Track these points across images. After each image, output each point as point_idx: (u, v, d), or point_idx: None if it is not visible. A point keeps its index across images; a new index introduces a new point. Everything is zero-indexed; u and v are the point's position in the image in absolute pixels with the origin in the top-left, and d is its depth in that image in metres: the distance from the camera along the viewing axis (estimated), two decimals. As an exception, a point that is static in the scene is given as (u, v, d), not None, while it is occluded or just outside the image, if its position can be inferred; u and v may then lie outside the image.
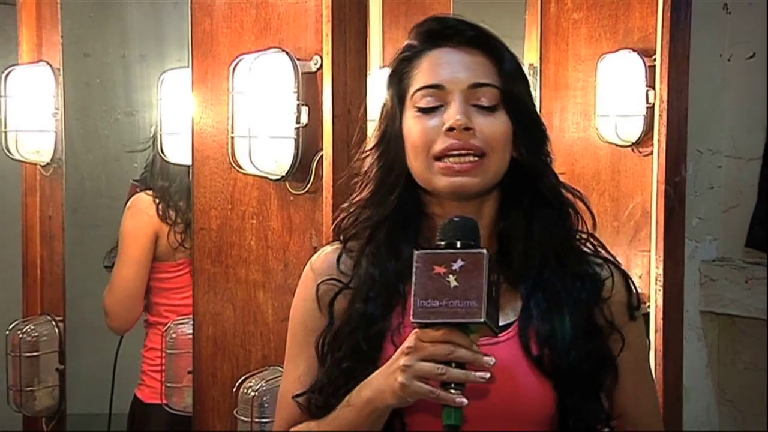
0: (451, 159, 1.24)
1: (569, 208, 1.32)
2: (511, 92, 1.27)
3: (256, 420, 1.98)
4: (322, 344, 1.30)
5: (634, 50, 2.64)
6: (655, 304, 2.50)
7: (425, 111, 1.26)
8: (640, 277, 2.60)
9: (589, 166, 2.73)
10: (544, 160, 1.32)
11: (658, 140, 2.51)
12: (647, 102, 2.60)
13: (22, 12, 2.84)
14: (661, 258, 2.51)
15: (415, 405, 1.18)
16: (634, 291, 1.35)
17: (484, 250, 1.13)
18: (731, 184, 2.94)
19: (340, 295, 1.31)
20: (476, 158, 1.24)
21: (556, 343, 1.26)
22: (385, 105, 1.33)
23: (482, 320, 1.11)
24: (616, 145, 2.73)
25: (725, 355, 2.94)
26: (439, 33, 1.28)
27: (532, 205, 1.30)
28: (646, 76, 2.60)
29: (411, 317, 1.13)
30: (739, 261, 2.89)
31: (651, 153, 2.56)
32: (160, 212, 2.55)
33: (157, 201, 2.56)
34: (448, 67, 1.26)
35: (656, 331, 2.49)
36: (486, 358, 1.13)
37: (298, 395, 1.31)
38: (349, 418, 1.23)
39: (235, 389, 2.06)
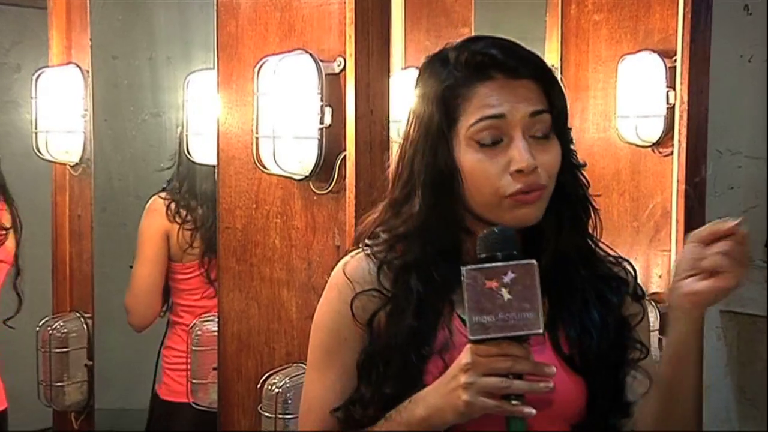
0: (520, 194, 1.23)
1: (593, 214, 1.33)
2: (560, 116, 1.27)
3: (280, 416, 1.98)
4: (366, 360, 1.27)
5: (654, 51, 2.62)
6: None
7: (485, 146, 1.23)
8: (660, 276, 2.59)
9: (609, 167, 2.73)
10: (576, 171, 1.31)
11: (679, 141, 2.51)
12: (667, 103, 2.58)
13: (52, 16, 2.87)
14: (682, 257, 2.50)
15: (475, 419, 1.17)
16: (635, 277, 1.36)
17: (534, 261, 1.11)
18: (751, 184, 2.90)
19: (381, 311, 1.27)
20: (541, 191, 1.24)
21: (586, 342, 1.26)
22: (429, 130, 1.27)
23: (541, 331, 1.11)
24: (637, 146, 2.71)
25: (745, 354, 2.91)
26: (488, 66, 1.25)
27: (561, 211, 1.29)
28: (666, 77, 2.58)
29: (468, 334, 1.12)
30: (759, 261, 2.83)
31: (671, 153, 2.56)
32: (170, 212, 2.57)
33: (168, 201, 2.58)
34: (505, 96, 1.23)
35: (675, 330, 2.48)
36: (547, 368, 1.13)
37: (337, 409, 1.28)
38: None
39: (259, 386, 2.05)
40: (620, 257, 1.37)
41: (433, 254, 1.27)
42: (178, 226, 2.57)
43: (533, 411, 1.12)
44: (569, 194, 1.29)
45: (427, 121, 1.27)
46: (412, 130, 1.29)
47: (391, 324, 1.26)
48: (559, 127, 1.27)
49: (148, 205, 2.64)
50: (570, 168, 1.30)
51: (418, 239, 1.28)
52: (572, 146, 1.32)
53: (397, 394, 1.23)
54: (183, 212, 2.57)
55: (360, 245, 1.34)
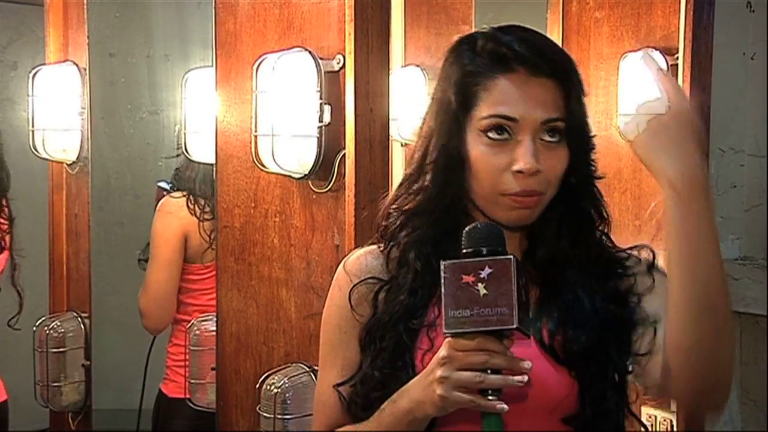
0: (517, 196, 1.24)
1: (602, 214, 1.32)
2: (575, 123, 1.26)
3: (279, 416, 1.97)
4: (365, 336, 1.30)
5: (656, 49, 2.57)
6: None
7: (492, 139, 1.24)
8: (662, 274, 2.60)
9: (610, 165, 2.68)
10: (591, 178, 1.31)
11: None
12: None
13: (49, 13, 2.87)
14: (683, 257, 2.49)
15: (453, 414, 1.18)
16: (653, 254, 1.33)
17: (511, 256, 1.12)
18: (754, 182, 2.88)
19: (382, 290, 1.31)
20: (539, 195, 1.25)
21: (569, 333, 1.26)
22: (444, 112, 1.29)
23: (515, 326, 1.11)
24: None
25: (748, 355, 2.88)
26: (511, 59, 1.25)
27: (567, 209, 1.30)
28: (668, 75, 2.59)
29: (443, 328, 1.13)
30: (761, 260, 2.83)
31: None
32: (191, 206, 2.55)
33: (187, 196, 2.56)
34: (520, 99, 1.24)
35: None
36: (522, 363, 1.13)
37: (339, 384, 1.31)
38: (388, 426, 1.23)
39: (258, 386, 2.05)
40: (634, 247, 1.34)
41: (435, 235, 1.28)
42: (198, 224, 2.55)
43: (505, 407, 1.12)
44: (579, 202, 1.30)
45: (446, 103, 1.29)
46: (431, 110, 1.31)
47: (388, 301, 1.30)
48: (571, 134, 1.26)
49: (159, 206, 2.62)
50: (584, 175, 1.29)
51: (423, 218, 1.30)
52: (593, 155, 1.31)
53: (390, 369, 1.25)
54: (202, 202, 2.55)
55: (375, 235, 1.37)
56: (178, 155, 2.66)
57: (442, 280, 1.13)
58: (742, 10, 2.85)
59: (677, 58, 2.51)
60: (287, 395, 1.97)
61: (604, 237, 1.34)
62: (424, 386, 1.17)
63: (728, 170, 2.86)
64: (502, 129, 1.24)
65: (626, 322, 1.29)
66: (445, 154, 1.28)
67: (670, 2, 2.57)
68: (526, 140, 1.23)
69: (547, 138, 1.24)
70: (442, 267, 1.13)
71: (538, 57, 1.25)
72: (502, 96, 1.24)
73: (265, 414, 2.00)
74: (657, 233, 2.65)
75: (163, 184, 2.68)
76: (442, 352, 1.14)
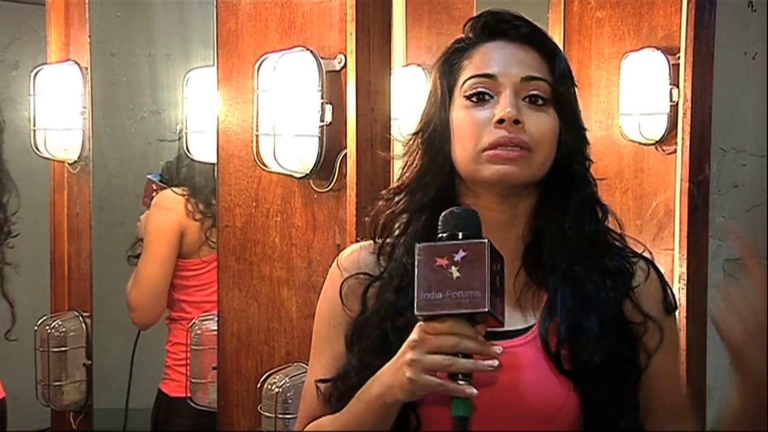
0: (500, 148, 1.23)
1: (603, 210, 1.31)
2: (561, 90, 1.26)
3: (280, 416, 1.97)
4: (351, 332, 1.30)
5: (657, 48, 2.61)
6: (678, 303, 2.50)
7: (475, 102, 1.25)
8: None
9: (612, 165, 2.70)
10: (584, 163, 1.30)
11: (682, 138, 2.49)
12: (671, 100, 2.57)
13: (50, 12, 2.87)
14: (685, 256, 2.47)
15: (426, 398, 1.18)
16: (670, 289, 1.33)
17: (486, 240, 1.11)
18: (755, 182, 2.87)
19: (372, 287, 1.30)
20: (523, 150, 1.23)
21: (578, 341, 1.23)
22: (433, 92, 1.32)
23: (486, 309, 1.09)
24: (640, 144, 2.69)
25: None
26: (494, 27, 1.28)
27: (567, 205, 1.29)
28: (669, 75, 2.57)
29: (415, 310, 1.12)
30: (762, 260, 2.83)
31: (674, 151, 2.53)
32: (190, 208, 2.55)
33: (188, 196, 2.56)
34: (501, 59, 1.26)
35: (679, 330, 2.47)
36: (493, 348, 1.11)
37: (320, 381, 1.30)
38: (360, 413, 1.22)
39: (259, 385, 2.05)
40: (645, 258, 1.33)
41: (423, 230, 1.27)
42: (197, 222, 2.54)
43: (474, 391, 1.10)
44: (577, 185, 1.29)
45: (434, 82, 1.32)
46: (428, 93, 1.33)
47: (377, 298, 1.30)
48: (558, 103, 1.26)
49: (156, 200, 2.62)
50: (577, 157, 1.29)
51: (411, 195, 1.31)
52: (588, 149, 1.30)
53: (375, 366, 1.23)
54: (202, 206, 2.54)
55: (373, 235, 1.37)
56: (173, 140, 2.67)
57: (416, 263, 1.12)
58: (743, 10, 2.85)
59: (678, 58, 2.53)
60: (288, 395, 1.96)
61: (614, 235, 1.32)
62: (394, 370, 1.16)
63: (729, 170, 2.85)
64: (484, 92, 1.25)
65: (632, 336, 1.27)
66: (430, 128, 1.30)
67: (671, 2, 2.59)
68: (507, 94, 1.24)
69: (531, 100, 1.24)
70: (416, 249, 1.13)
71: (522, 25, 1.28)
72: (484, 59, 1.27)
73: (267, 413, 2.00)
74: (658, 233, 2.66)
75: (152, 177, 2.68)
76: (413, 335, 1.14)
